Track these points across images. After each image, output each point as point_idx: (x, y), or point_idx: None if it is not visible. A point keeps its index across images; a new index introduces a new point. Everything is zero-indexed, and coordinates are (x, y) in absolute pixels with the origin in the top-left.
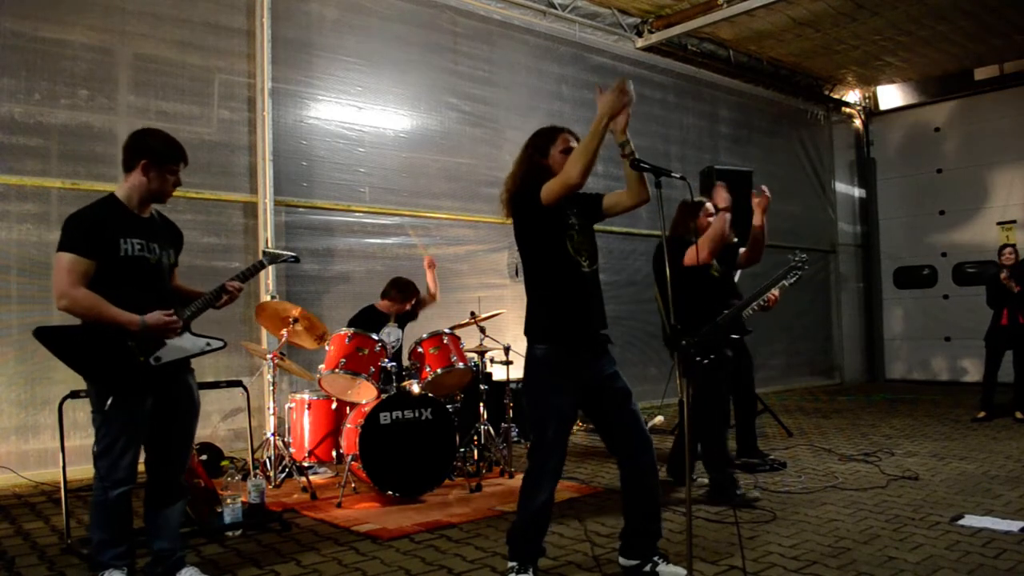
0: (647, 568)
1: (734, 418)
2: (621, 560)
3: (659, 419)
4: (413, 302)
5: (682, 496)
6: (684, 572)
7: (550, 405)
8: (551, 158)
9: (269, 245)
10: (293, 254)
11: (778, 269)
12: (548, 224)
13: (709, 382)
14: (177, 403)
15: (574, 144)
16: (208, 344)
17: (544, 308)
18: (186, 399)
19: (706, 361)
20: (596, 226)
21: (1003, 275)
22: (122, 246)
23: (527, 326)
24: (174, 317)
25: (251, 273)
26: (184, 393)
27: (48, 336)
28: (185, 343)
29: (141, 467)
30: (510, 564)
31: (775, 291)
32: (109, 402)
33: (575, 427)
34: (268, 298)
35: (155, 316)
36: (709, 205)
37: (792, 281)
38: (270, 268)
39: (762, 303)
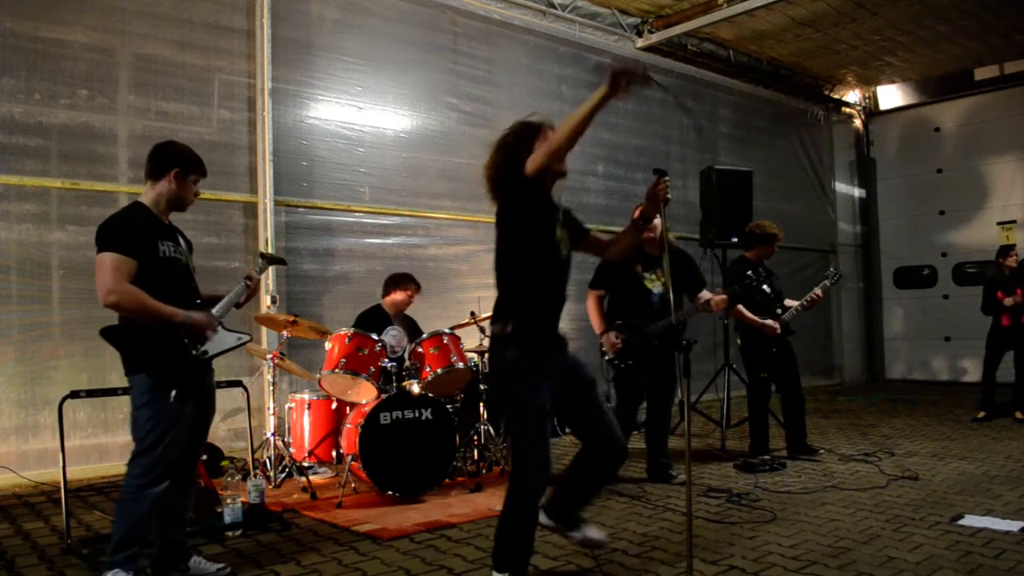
0: (571, 533)
1: (782, 415)
2: (542, 518)
3: None
4: (411, 292)
5: (634, 475)
6: (604, 535)
7: (529, 403)
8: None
9: (269, 247)
10: (282, 258)
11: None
12: (534, 202)
13: (622, 387)
14: (204, 402)
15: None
16: (239, 338)
17: (520, 295)
18: (210, 398)
19: (622, 365)
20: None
21: (1009, 301)
22: (160, 247)
23: (498, 314)
24: (213, 314)
25: (260, 270)
26: (209, 393)
27: (114, 334)
28: (224, 337)
29: None
30: None
31: (818, 291)
32: (174, 394)
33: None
34: (268, 300)
35: (199, 313)
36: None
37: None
38: (269, 269)
39: (806, 303)
